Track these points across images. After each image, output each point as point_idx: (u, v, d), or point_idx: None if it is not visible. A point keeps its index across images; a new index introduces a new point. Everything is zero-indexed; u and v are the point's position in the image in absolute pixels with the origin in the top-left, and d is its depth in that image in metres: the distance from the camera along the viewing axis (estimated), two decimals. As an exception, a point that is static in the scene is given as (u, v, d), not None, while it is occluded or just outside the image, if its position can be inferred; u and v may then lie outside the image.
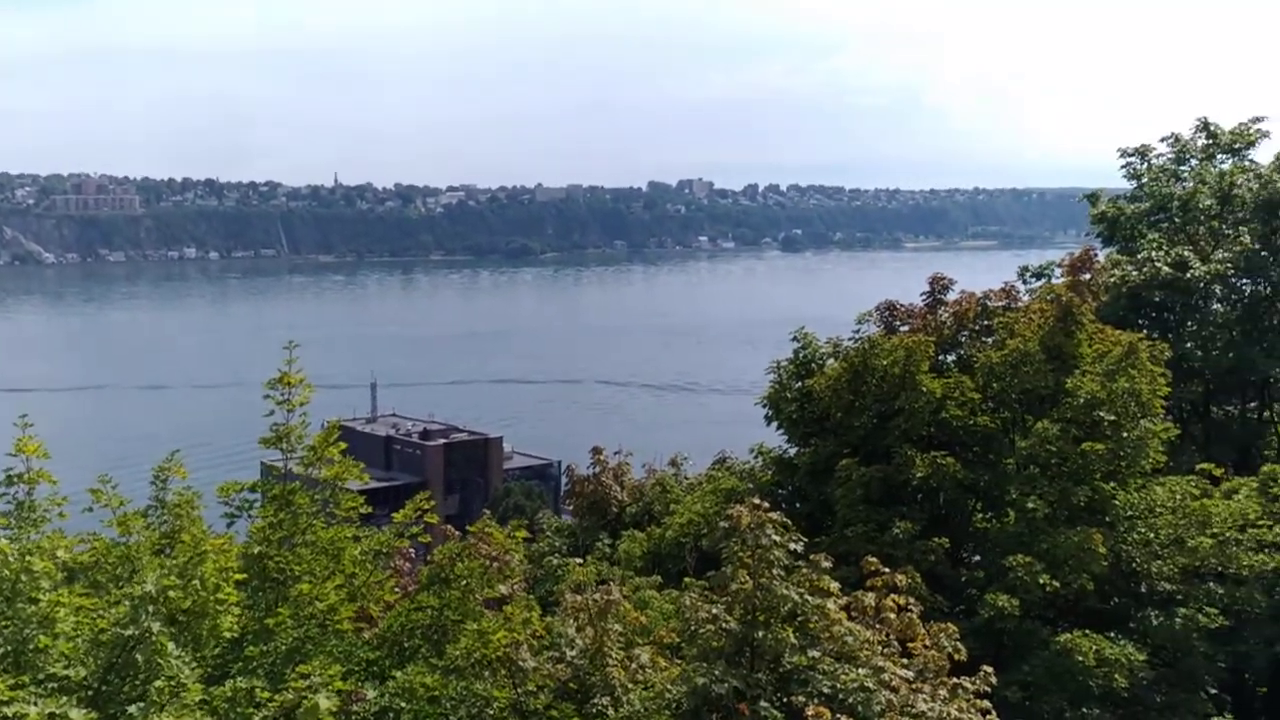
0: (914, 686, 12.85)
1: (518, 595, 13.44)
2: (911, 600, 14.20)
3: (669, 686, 12.82)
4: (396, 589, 13.81)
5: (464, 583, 12.65)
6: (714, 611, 13.22)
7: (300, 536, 12.38)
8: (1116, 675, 17.04)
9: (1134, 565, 19.05)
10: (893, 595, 14.12)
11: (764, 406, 22.43)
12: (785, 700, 12.39)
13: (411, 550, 15.76)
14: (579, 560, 19.76)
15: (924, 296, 22.74)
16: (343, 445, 12.82)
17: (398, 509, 13.21)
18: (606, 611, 13.61)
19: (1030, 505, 18.86)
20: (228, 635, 10.88)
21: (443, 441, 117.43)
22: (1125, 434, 19.45)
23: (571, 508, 24.92)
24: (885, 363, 20.22)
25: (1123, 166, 27.51)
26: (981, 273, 28.17)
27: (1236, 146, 26.62)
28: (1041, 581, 17.66)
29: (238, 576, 11.31)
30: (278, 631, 11.41)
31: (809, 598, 13.23)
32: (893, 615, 13.97)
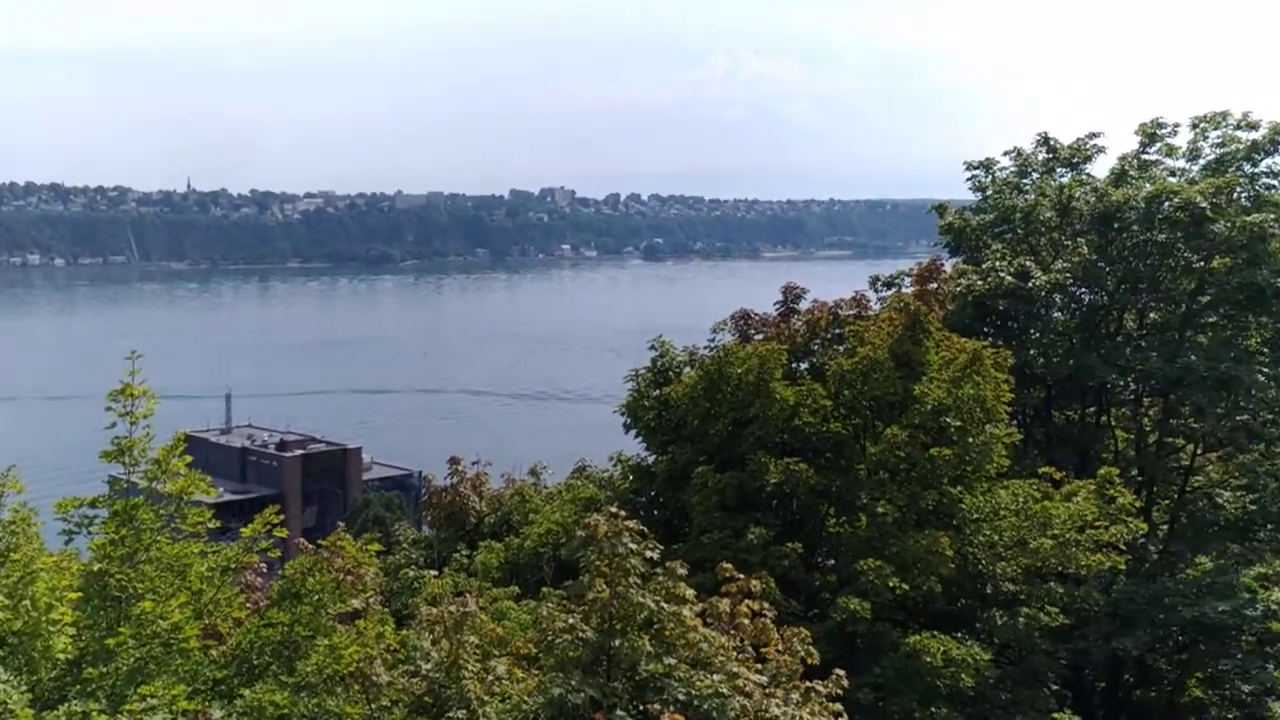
0: (767, 691, 13.02)
1: (372, 609, 13.26)
2: (766, 605, 14.38)
3: (526, 698, 12.77)
4: (247, 605, 13.51)
5: (316, 597, 12.43)
6: (570, 621, 13.21)
7: (144, 553, 12.01)
8: (963, 675, 17.52)
9: (980, 567, 19.63)
10: (747, 601, 14.28)
11: (622, 415, 22.55)
12: (641, 708, 12.44)
13: (264, 565, 15.43)
14: (434, 573, 19.57)
15: (777, 306, 23.18)
16: (189, 458, 12.49)
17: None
18: (462, 624, 13.51)
19: (880, 510, 19.29)
20: (62, 657, 10.48)
21: (300, 453, 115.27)
22: (971, 439, 20.02)
23: (429, 519, 24.67)
24: (740, 371, 20.49)
25: (968, 179, 28.34)
26: (837, 282, 28.74)
27: (1074, 161, 27.61)
28: (891, 584, 18.06)
29: (73, 595, 10.91)
30: (119, 652, 11.04)
31: (665, 605, 13.29)
32: (747, 621, 14.13)
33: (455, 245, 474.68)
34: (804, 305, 23.15)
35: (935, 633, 18.21)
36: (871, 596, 18.13)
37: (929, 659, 17.44)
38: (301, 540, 16.34)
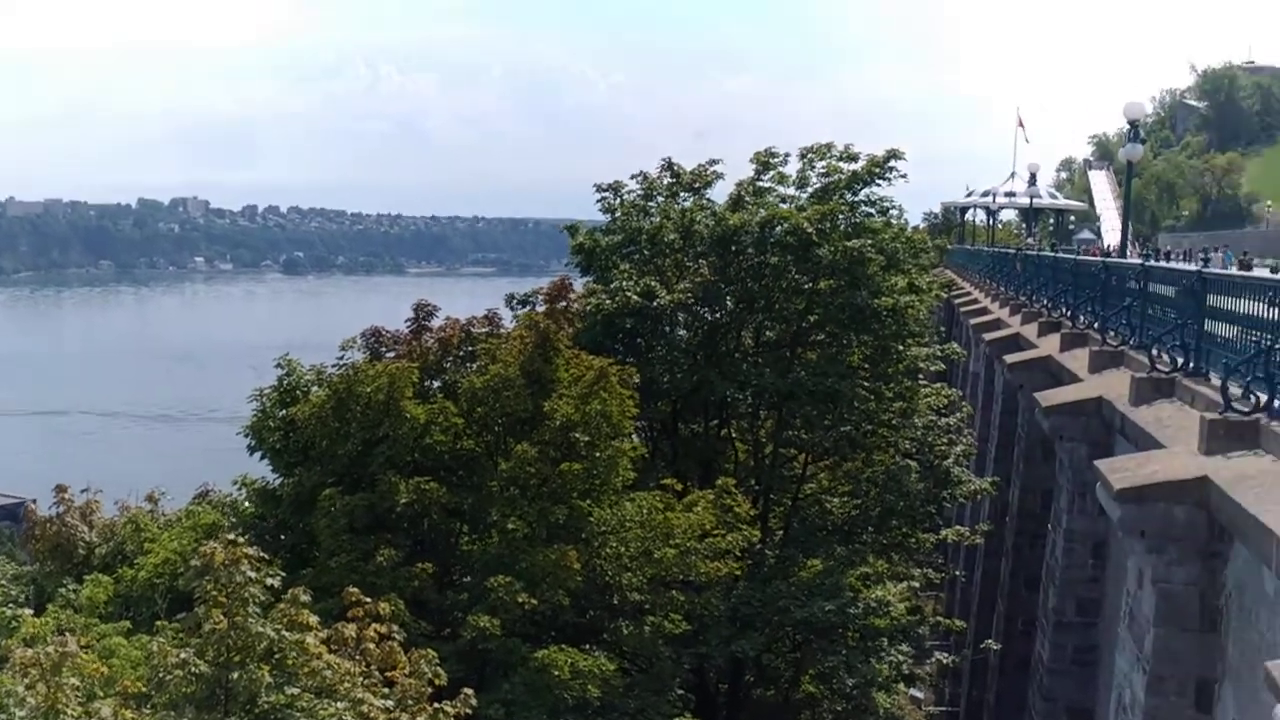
0: (392, 716, 12.90)
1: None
2: (395, 628, 14.25)
3: (134, 740, 12.05)
4: None
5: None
6: (184, 655, 12.59)
7: None
8: (590, 686, 17.93)
9: (607, 578, 20.17)
10: (375, 625, 14.09)
11: (246, 436, 21.76)
12: (259, 741, 12.01)
13: None
14: (29, 611, 18.14)
15: (409, 323, 23.05)
16: None
17: None
18: (61, 665, 12.61)
19: (511, 526, 19.48)
20: None
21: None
22: (599, 453, 20.56)
23: (32, 552, 22.87)
24: (369, 390, 20.21)
25: (598, 200, 29.18)
26: (483, 298, 28.84)
27: (696, 186, 28.96)
28: (520, 600, 18.25)
29: None
30: None
31: (287, 634, 12.91)
32: (373, 645, 13.92)
33: (76, 256, 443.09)
34: (436, 323, 23.13)
35: (564, 646, 18.56)
36: (502, 613, 18.27)
37: (557, 672, 17.75)
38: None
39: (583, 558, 19.39)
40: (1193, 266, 18.45)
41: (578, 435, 20.31)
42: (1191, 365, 15.21)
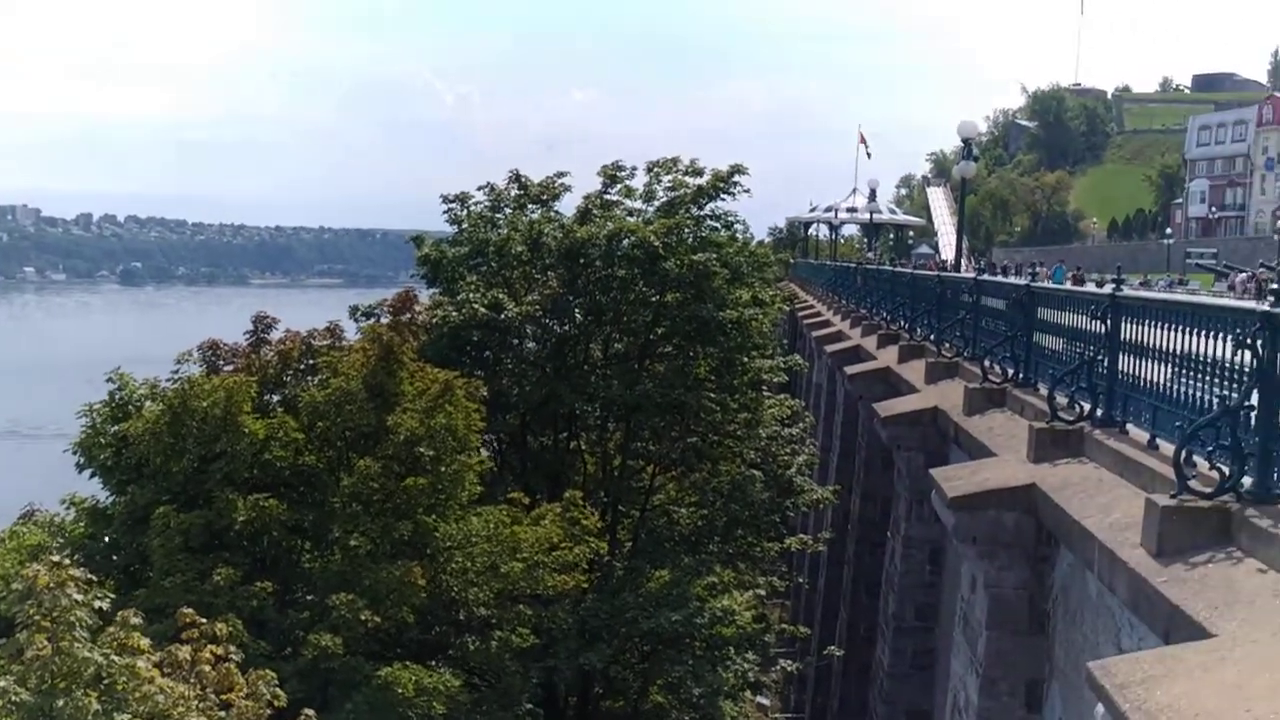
0: (228, 739, 12.55)
1: None
2: (232, 649, 13.84)
3: (-53, 775, 11.46)
4: None
5: None
6: (3, 684, 12.04)
7: None
8: (435, 703, 17.69)
9: (453, 594, 19.94)
10: (211, 646, 13.68)
11: (75, 453, 20.93)
12: (83, 771, 11.52)
13: None
14: None
15: (247, 335, 22.50)
16: None
17: None
18: None
19: (354, 542, 19.15)
20: None
21: None
22: (444, 468, 20.33)
23: None
24: (205, 404, 19.64)
25: (445, 212, 28.92)
26: (329, 310, 28.23)
27: (544, 198, 28.95)
28: (364, 617, 17.94)
29: None
30: None
31: (116, 658, 12.44)
32: (209, 668, 13.51)
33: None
34: (277, 335, 22.62)
35: (408, 663, 18.29)
36: (344, 631, 17.93)
37: (401, 690, 17.47)
38: None
39: (428, 573, 19.15)
40: (1022, 281, 19.12)
41: (423, 449, 20.06)
42: (1021, 376, 15.74)
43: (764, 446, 28.68)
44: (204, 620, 13.79)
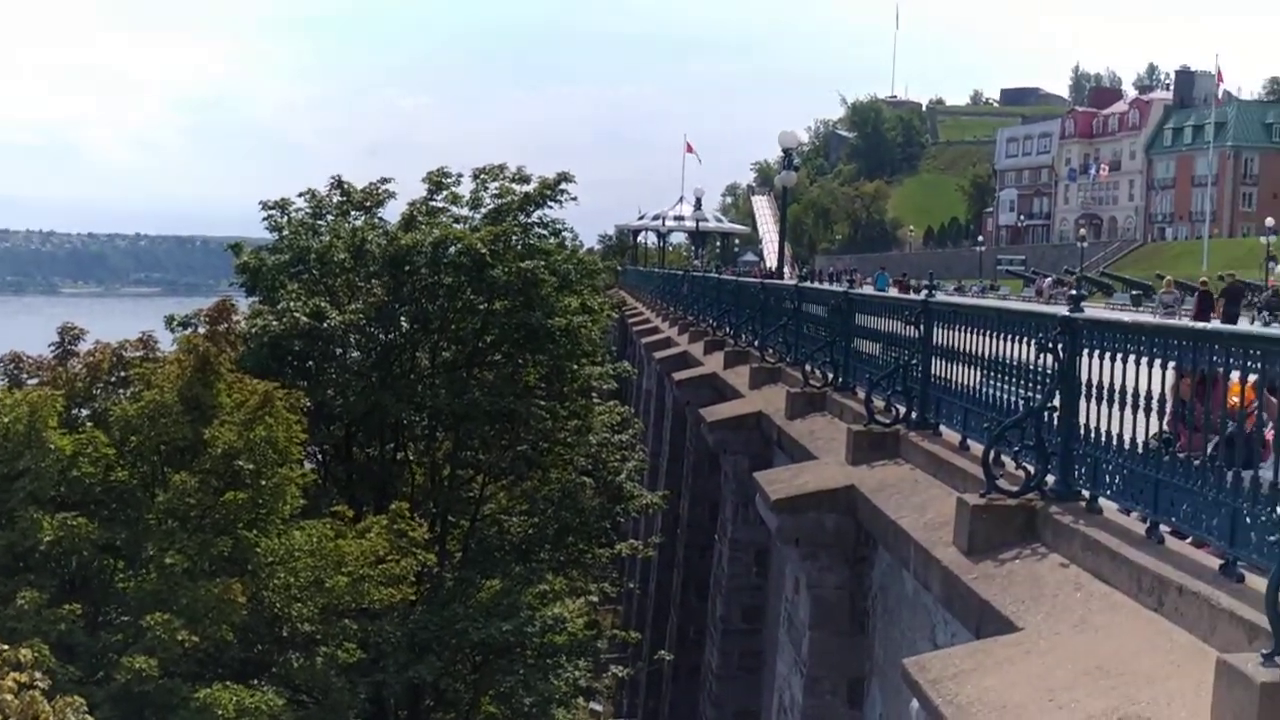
0: (33, 771, 11.97)
1: None
2: (38, 675, 13.19)
3: None
4: None
5: None
6: None
7: None
8: (257, 722, 17.21)
9: (276, 610, 19.41)
10: (14, 674, 13.02)
11: None
12: None
13: None
14: None
15: (53, 347, 21.51)
16: None
17: None
18: None
19: (170, 560, 18.46)
20: None
21: None
22: (265, 481, 19.77)
23: None
24: (7, 420, 18.71)
25: (264, 218, 28.14)
26: (145, 320, 27.23)
27: (368, 205, 28.40)
28: (180, 638, 17.32)
29: None
30: None
31: (-92, 691, 11.77)
32: (11, 696, 12.86)
33: None
34: (85, 346, 21.69)
35: (229, 683, 17.74)
36: (160, 652, 17.26)
37: (221, 711, 16.92)
38: None
39: (249, 590, 18.60)
40: (840, 288, 19.60)
41: (242, 463, 19.48)
42: (841, 380, 16.14)
43: (594, 453, 28.70)
44: (6, 646, 13.14)
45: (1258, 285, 67.83)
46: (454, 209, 28.46)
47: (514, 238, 26.99)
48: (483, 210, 28.16)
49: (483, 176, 28.30)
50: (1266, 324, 45.73)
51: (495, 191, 28.09)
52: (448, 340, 27.30)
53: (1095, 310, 13.01)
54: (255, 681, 18.98)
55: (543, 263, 26.15)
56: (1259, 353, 6.37)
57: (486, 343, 27.03)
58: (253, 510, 19.73)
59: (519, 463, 27.40)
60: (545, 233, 27.90)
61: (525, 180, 27.95)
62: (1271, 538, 5.60)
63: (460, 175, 28.73)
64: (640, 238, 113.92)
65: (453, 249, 26.01)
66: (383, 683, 22.16)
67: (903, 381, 12.78)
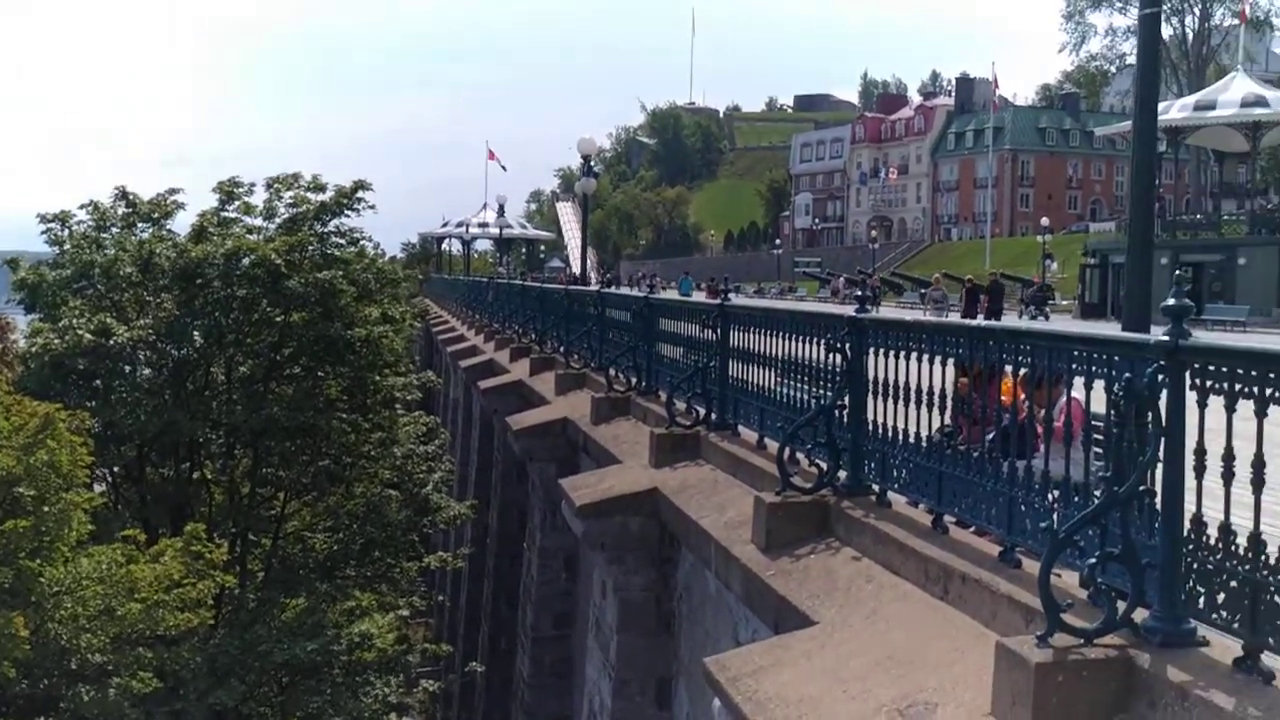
0: None
1: None
2: None
3: None
4: None
5: None
6: None
7: None
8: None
9: (63, 642, 18.48)
10: None
11: None
12: None
13: None
14: None
15: None
16: None
17: None
18: None
19: (-56, 595, 17.41)
20: None
21: None
22: (48, 508, 18.80)
23: None
24: None
25: (43, 232, 26.90)
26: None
27: (155, 216, 27.40)
28: (-44, 678, 16.35)
29: None
30: None
31: None
32: None
33: None
34: None
35: (12, 723, 16.86)
36: (-65, 694, 16.29)
37: (5, 753, 16.05)
38: None
39: (32, 623, 17.65)
40: (641, 293, 19.81)
41: (22, 490, 18.47)
42: (644, 384, 16.29)
43: (400, 465, 28.31)
44: None
45: (1026, 280, 71.72)
46: (247, 219, 27.73)
47: (310, 247, 26.40)
48: (278, 220, 27.46)
49: (277, 186, 27.60)
50: (1033, 317, 48.38)
51: (290, 201, 27.43)
52: (244, 354, 26.51)
53: (884, 310, 13.47)
54: (41, 718, 18.05)
55: (341, 272, 25.66)
56: (1028, 348, 6.69)
57: (285, 356, 26.35)
58: (35, 539, 18.72)
59: (321, 478, 26.81)
60: (343, 242, 27.39)
61: (321, 189, 27.37)
62: (1043, 524, 5.87)
63: (253, 185, 27.99)
64: (445, 245, 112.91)
65: (246, 260, 25.26)
66: (182, 711, 21.32)
67: (702, 384, 12.98)
